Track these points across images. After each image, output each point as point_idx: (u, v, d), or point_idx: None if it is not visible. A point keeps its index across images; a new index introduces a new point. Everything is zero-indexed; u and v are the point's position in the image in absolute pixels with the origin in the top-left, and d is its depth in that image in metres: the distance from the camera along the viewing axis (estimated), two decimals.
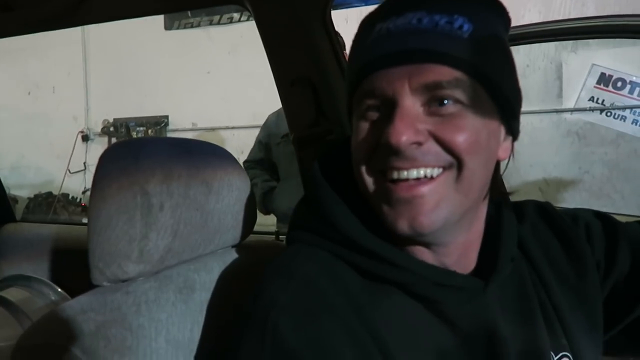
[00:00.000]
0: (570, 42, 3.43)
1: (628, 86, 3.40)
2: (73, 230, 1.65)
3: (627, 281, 0.72)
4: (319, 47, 1.11)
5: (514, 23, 0.66)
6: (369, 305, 0.59)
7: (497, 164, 0.65)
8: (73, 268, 0.98)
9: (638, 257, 0.72)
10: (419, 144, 0.56)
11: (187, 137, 0.84)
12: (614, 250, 0.72)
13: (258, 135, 2.25)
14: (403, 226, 0.58)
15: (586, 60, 3.47)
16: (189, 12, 4.42)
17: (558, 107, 3.56)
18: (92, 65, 4.97)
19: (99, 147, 4.88)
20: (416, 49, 0.56)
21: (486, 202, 0.66)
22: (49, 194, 4.85)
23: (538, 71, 3.56)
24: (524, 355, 0.63)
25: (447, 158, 0.57)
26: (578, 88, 3.51)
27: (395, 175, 0.58)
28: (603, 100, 3.45)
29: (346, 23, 1.69)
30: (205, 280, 0.76)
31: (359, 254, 0.60)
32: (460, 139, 0.56)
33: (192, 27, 4.58)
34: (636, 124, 3.39)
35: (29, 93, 5.09)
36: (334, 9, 1.13)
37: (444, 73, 0.55)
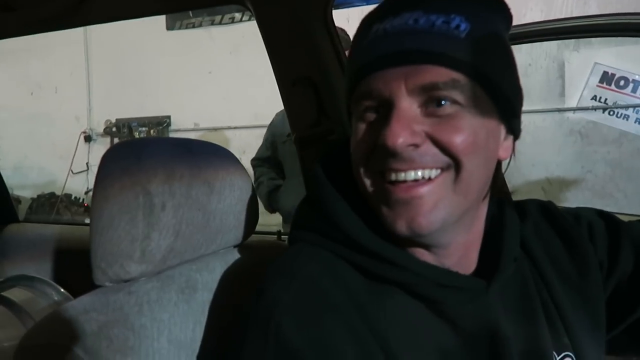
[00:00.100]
0: (573, 40, 3.42)
1: (631, 85, 3.39)
2: (76, 231, 1.65)
3: (630, 281, 0.71)
4: (320, 46, 1.11)
5: (515, 22, 0.66)
6: (371, 305, 0.58)
7: (498, 163, 0.65)
8: (76, 268, 0.98)
9: None
10: (416, 145, 0.56)
11: (190, 137, 0.84)
12: (617, 250, 0.72)
13: (265, 134, 2.25)
14: (401, 227, 0.58)
15: (589, 58, 3.46)
16: (190, 12, 4.42)
17: (560, 106, 3.55)
18: (95, 66, 4.98)
19: (101, 147, 4.89)
20: (412, 49, 0.56)
21: (486, 201, 0.66)
22: (52, 194, 4.86)
23: (540, 70, 3.55)
24: (526, 355, 0.63)
25: (445, 159, 0.57)
26: (580, 87, 3.50)
27: (393, 176, 0.58)
28: (606, 99, 3.45)
29: (347, 22, 1.68)
30: (207, 280, 0.76)
31: (360, 254, 0.60)
32: (457, 140, 0.56)
33: (193, 27, 4.58)
34: (639, 123, 3.38)
35: (32, 93, 5.10)
36: (335, 9, 1.13)
37: (440, 74, 0.55)
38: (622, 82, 3.42)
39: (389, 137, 0.55)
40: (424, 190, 0.57)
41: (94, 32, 4.80)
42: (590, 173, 3.48)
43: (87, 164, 4.91)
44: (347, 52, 0.71)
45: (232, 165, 0.84)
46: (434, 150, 0.57)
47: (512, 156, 0.65)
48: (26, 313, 1.21)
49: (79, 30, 4.74)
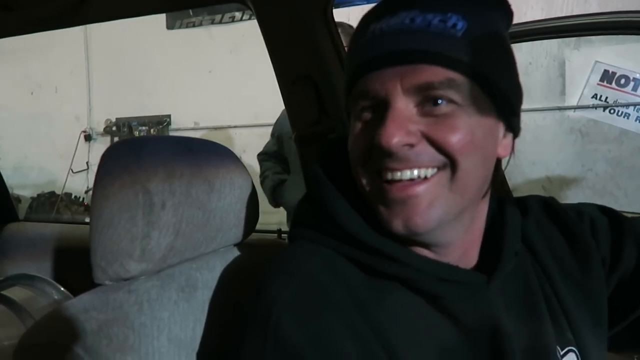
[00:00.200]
0: (573, 39, 3.41)
1: (632, 83, 3.39)
2: (76, 230, 1.65)
3: (632, 277, 0.71)
4: (320, 45, 1.11)
5: (516, 20, 0.65)
6: (371, 301, 0.58)
7: (498, 161, 0.64)
8: (76, 267, 0.98)
9: None
10: (411, 145, 0.56)
11: (192, 136, 0.84)
12: (620, 246, 0.72)
13: (272, 129, 2.23)
14: (398, 226, 0.58)
15: (589, 57, 3.45)
16: (190, 11, 4.42)
17: (561, 105, 3.55)
18: (95, 65, 4.97)
19: (101, 146, 4.88)
20: (408, 49, 0.56)
21: (486, 200, 0.66)
22: (52, 193, 4.86)
23: (541, 69, 3.55)
24: (529, 350, 0.63)
25: (441, 158, 0.57)
26: (581, 85, 3.50)
27: (389, 176, 0.58)
28: (606, 98, 3.44)
29: (348, 21, 1.68)
30: (207, 278, 0.76)
31: (360, 251, 0.60)
32: (453, 140, 0.56)
33: (194, 26, 4.58)
34: (639, 121, 3.38)
35: (32, 93, 5.10)
36: (335, 7, 1.13)
37: (436, 73, 0.55)
38: (622, 81, 3.41)
39: (383, 137, 0.55)
40: (420, 189, 0.57)
41: (94, 31, 4.80)
42: (591, 171, 3.47)
43: (87, 163, 4.91)
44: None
45: (232, 163, 0.84)
46: (430, 149, 0.57)
47: (512, 154, 0.65)
48: (26, 312, 1.21)
49: (79, 29, 4.74)
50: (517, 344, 0.62)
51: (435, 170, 0.57)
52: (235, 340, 0.58)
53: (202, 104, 4.48)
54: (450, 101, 0.56)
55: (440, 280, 0.60)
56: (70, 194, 4.85)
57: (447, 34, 0.55)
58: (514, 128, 0.63)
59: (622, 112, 3.42)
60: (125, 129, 4.84)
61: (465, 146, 0.56)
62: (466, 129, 0.56)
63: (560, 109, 3.55)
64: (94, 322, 0.60)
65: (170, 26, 4.62)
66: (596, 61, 3.45)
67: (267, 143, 2.27)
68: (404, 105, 0.56)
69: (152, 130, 4.75)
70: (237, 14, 4.38)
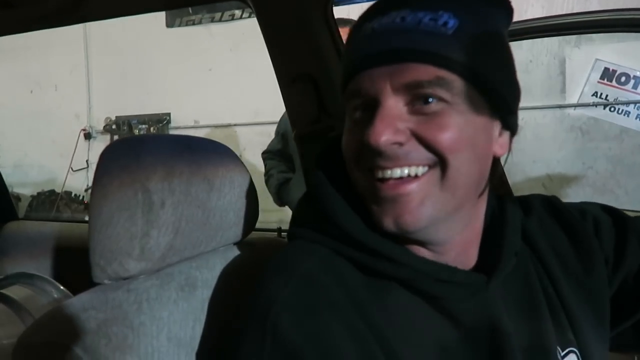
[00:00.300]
0: (574, 37, 3.41)
1: (632, 81, 3.38)
2: (75, 228, 1.65)
3: (636, 277, 0.71)
4: (320, 43, 1.10)
5: (516, 18, 0.65)
6: (370, 301, 0.58)
7: (496, 159, 0.64)
8: (75, 266, 0.98)
9: None
10: (400, 144, 0.56)
11: (192, 135, 0.83)
12: (624, 245, 0.71)
13: (277, 127, 2.22)
14: (389, 224, 0.58)
15: (590, 55, 3.45)
16: (190, 9, 4.41)
17: (561, 103, 3.54)
18: (94, 64, 4.97)
19: (101, 144, 4.88)
20: (397, 48, 0.56)
21: (484, 199, 0.66)
22: (52, 192, 4.85)
23: (541, 66, 3.54)
24: (529, 351, 0.63)
25: (431, 157, 0.57)
26: (581, 83, 3.49)
27: (380, 174, 0.58)
28: (607, 96, 3.44)
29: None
30: (207, 277, 0.76)
31: (358, 251, 0.60)
32: (442, 138, 0.56)
33: (193, 24, 4.57)
34: None
35: (31, 91, 5.09)
36: (335, 5, 1.12)
37: (425, 72, 0.55)
38: (623, 79, 3.41)
39: (372, 136, 0.55)
40: (410, 187, 0.57)
41: (94, 29, 4.79)
42: (591, 169, 3.47)
43: (87, 161, 4.91)
44: None
45: (231, 162, 0.83)
46: (420, 148, 0.57)
47: (510, 152, 0.65)
48: (26, 311, 1.21)
49: (79, 27, 4.73)
50: (517, 344, 0.61)
51: (426, 168, 0.57)
52: (235, 340, 0.58)
53: (202, 102, 4.48)
54: (441, 99, 0.56)
55: (439, 281, 0.60)
56: (70, 193, 4.85)
57: (437, 32, 0.55)
58: (510, 126, 0.63)
59: (622, 110, 3.42)
60: (125, 127, 4.84)
61: (455, 144, 0.56)
62: (456, 127, 0.56)
63: (560, 106, 3.54)
64: (93, 321, 0.59)
65: (170, 24, 4.61)
66: (597, 59, 3.44)
67: (271, 141, 2.25)
68: (393, 104, 0.57)
69: (152, 129, 4.74)
70: (237, 12, 4.38)
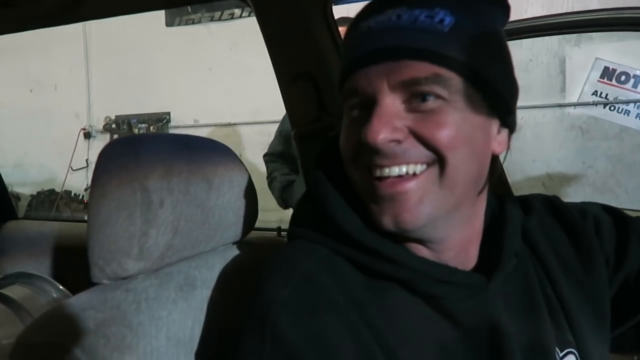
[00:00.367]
0: (574, 36, 3.41)
1: (632, 80, 3.38)
2: (75, 228, 1.65)
3: (637, 278, 0.71)
4: (320, 42, 1.10)
5: (516, 17, 0.65)
6: (369, 301, 0.58)
7: (495, 157, 0.64)
8: (75, 265, 0.97)
9: None
10: (398, 141, 0.56)
11: (192, 134, 0.83)
12: (624, 246, 0.71)
13: (278, 128, 2.20)
14: (387, 223, 0.58)
15: (590, 54, 3.44)
16: (189, 8, 4.40)
17: (561, 102, 3.54)
18: (94, 63, 4.96)
19: (101, 144, 4.86)
20: (393, 46, 0.56)
21: (484, 197, 0.65)
22: (52, 191, 4.85)
23: (541, 65, 3.54)
24: (528, 351, 0.62)
25: (429, 154, 0.56)
26: (581, 82, 3.49)
27: (378, 172, 0.58)
28: (607, 95, 3.43)
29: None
30: (206, 277, 0.75)
31: (358, 251, 0.60)
32: (440, 135, 0.56)
33: (193, 23, 4.57)
34: None
35: (31, 91, 5.09)
36: (335, 4, 1.12)
37: (422, 69, 0.55)
38: (623, 78, 3.40)
39: (369, 134, 0.55)
40: (408, 185, 0.57)
41: (94, 28, 4.79)
42: (591, 169, 3.47)
43: (86, 160, 4.90)
44: None
45: (231, 161, 0.83)
46: (418, 145, 0.56)
47: (509, 150, 0.65)
48: (25, 310, 1.21)
49: (78, 26, 4.73)
50: (517, 345, 0.61)
51: (424, 166, 0.57)
52: (234, 340, 0.58)
53: (202, 101, 4.47)
54: (438, 97, 0.56)
55: (439, 282, 0.60)
56: (70, 192, 4.84)
57: (433, 30, 0.55)
58: (509, 124, 0.63)
59: (622, 109, 3.41)
60: (125, 127, 4.83)
61: (453, 142, 0.56)
62: (454, 124, 0.56)
63: (560, 106, 3.54)
64: (91, 321, 0.59)
65: (169, 23, 4.61)
66: (596, 58, 3.44)
67: (272, 143, 2.23)
68: (390, 102, 0.56)
69: (151, 128, 4.74)
70: (237, 11, 4.37)
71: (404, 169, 0.57)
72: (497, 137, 0.62)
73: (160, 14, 4.52)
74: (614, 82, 3.42)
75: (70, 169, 4.83)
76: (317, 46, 1.10)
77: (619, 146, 3.40)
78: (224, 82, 4.33)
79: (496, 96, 0.59)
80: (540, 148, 3.45)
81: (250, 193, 0.85)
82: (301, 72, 1.13)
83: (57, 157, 4.90)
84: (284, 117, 2.14)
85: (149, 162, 0.68)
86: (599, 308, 0.70)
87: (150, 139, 0.74)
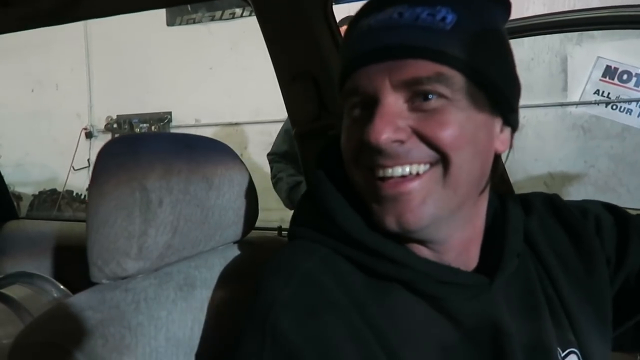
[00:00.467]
0: (575, 34, 3.40)
1: (634, 79, 3.37)
2: (75, 227, 1.65)
3: (638, 276, 0.70)
4: (320, 41, 1.10)
5: (517, 15, 0.64)
6: (371, 302, 0.58)
7: (497, 156, 0.63)
8: (75, 265, 0.97)
9: None
10: (401, 141, 0.55)
11: (193, 133, 0.83)
12: (625, 245, 0.70)
13: (282, 127, 2.17)
14: (390, 223, 0.57)
15: (591, 52, 3.43)
16: (188, 7, 4.40)
17: (563, 101, 3.53)
18: (95, 62, 4.97)
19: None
20: (394, 44, 0.55)
21: (485, 196, 0.65)
22: (54, 190, 4.85)
23: (543, 64, 3.53)
24: (530, 352, 0.62)
25: (432, 154, 0.56)
26: (583, 81, 3.48)
27: (381, 173, 0.57)
28: (609, 93, 3.42)
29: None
30: (206, 277, 0.75)
31: (358, 251, 0.60)
32: (443, 135, 0.55)
33: (194, 22, 4.57)
34: None
35: (32, 90, 5.09)
36: (336, 3, 1.12)
37: (424, 68, 0.54)
38: (625, 76, 3.39)
39: (372, 134, 0.54)
40: (412, 186, 0.56)
41: (95, 28, 4.79)
42: (593, 168, 3.46)
43: (88, 160, 4.90)
44: None
45: (231, 160, 0.83)
46: (421, 145, 0.56)
47: (511, 149, 0.64)
48: (25, 310, 1.21)
49: (79, 26, 4.74)
50: (519, 344, 0.61)
51: (427, 166, 0.56)
52: (234, 340, 0.57)
53: (203, 100, 4.48)
54: (441, 96, 0.55)
55: (441, 283, 0.59)
56: (72, 192, 4.85)
57: (435, 28, 0.54)
58: (511, 122, 0.62)
59: (624, 108, 3.40)
60: (126, 126, 4.84)
61: (456, 141, 0.55)
62: (457, 123, 0.55)
63: (562, 105, 3.53)
64: (90, 321, 0.59)
65: (170, 23, 4.61)
66: (598, 57, 3.43)
67: (276, 142, 2.20)
68: (393, 101, 0.56)
69: (153, 128, 4.74)
70: (238, 11, 4.37)
71: (407, 169, 0.56)
72: (500, 135, 0.62)
73: (161, 14, 4.52)
74: (616, 80, 3.41)
75: (72, 168, 4.84)
76: (317, 45, 1.10)
77: (621, 145, 3.40)
78: (225, 81, 4.33)
79: (499, 94, 0.58)
80: (542, 147, 3.44)
81: (250, 192, 0.84)
82: (301, 71, 1.12)
83: (58, 156, 4.91)
84: (287, 117, 2.11)
85: (148, 161, 0.67)
86: (600, 307, 0.69)
87: (150, 138, 0.74)
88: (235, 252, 0.84)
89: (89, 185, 0.67)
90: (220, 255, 0.81)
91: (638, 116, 3.37)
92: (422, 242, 0.61)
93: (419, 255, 0.61)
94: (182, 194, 0.70)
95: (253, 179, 0.86)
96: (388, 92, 0.56)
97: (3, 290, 1.26)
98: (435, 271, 0.59)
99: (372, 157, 0.57)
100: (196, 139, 0.81)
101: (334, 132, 1.12)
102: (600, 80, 3.44)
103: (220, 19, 4.47)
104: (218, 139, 0.85)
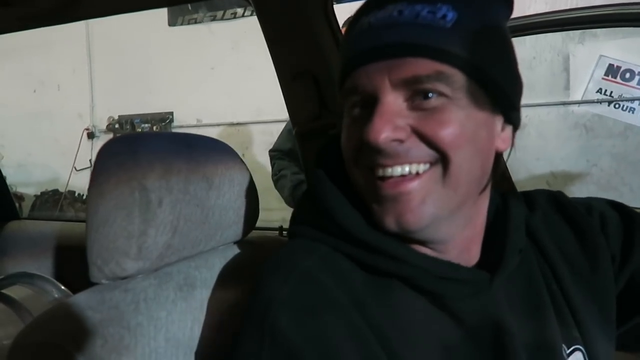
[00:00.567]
0: (578, 33, 3.39)
1: (637, 77, 3.36)
2: (76, 227, 1.65)
3: None
4: (320, 40, 1.09)
5: (519, 14, 0.64)
6: (371, 300, 0.57)
7: (498, 155, 0.63)
8: (76, 265, 0.97)
9: None
10: (401, 141, 0.55)
11: (195, 133, 0.82)
12: (631, 242, 0.70)
13: (286, 125, 2.15)
14: (390, 223, 0.57)
15: (594, 51, 3.42)
16: (189, 6, 4.40)
17: (565, 100, 3.52)
18: (97, 63, 4.98)
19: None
20: (394, 42, 0.54)
21: (487, 194, 0.64)
22: (56, 191, 4.86)
23: (545, 63, 3.52)
24: (534, 349, 0.61)
25: (432, 153, 0.55)
26: (585, 80, 3.47)
27: (380, 172, 0.57)
28: (611, 92, 3.41)
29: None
30: (206, 277, 0.75)
31: (358, 248, 0.59)
32: (443, 134, 0.54)
33: (195, 23, 4.57)
34: None
35: (35, 91, 5.10)
36: (336, 3, 1.11)
37: (424, 66, 0.54)
38: (627, 75, 3.38)
39: (371, 134, 0.54)
40: (411, 185, 0.56)
41: (96, 28, 4.80)
42: (596, 167, 3.45)
43: (90, 161, 4.91)
44: None
45: (231, 160, 0.82)
46: (420, 144, 0.55)
47: (513, 147, 0.64)
48: (26, 310, 1.21)
49: (81, 26, 4.74)
50: (521, 343, 0.60)
51: (427, 165, 0.56)
52: (234, 340, 0.57)
53: (204, 100, 4.48)
54: (441, 94, 0.54)
55: (442, 279, 0.59)
56: (74, 192, 4.86)
57: (435, 25, 0.54)
58: (513, 120, 0.62)
59: (627, 107, 3.39)
60: (128, 127, 4.85)
61: (456, 140, 0.55)
62: (457, 122, 0.55)
63: (564, 103, 3.52)
64: (89, 322, 0.58)
65: (172, 23, 4.61)
66: (601, 55, 3.42)
67: (279, 139, 2.18)
68: (392, 100, 0.55)
69: (154, 128, 4.75)
70: (239, 10, 4.38)
71: (406, 169, 0.56)
72: (501, 134, 0.61)
73: (163, 14, 4.53)
74: (618, 79, 3.40)
75: (74, 169, 4.85)
76: (318, 44, 1.09)
77: (624, 144, 3.39)
78: (227, 81, 4.34)
79: (500, 93, 0.58)
80: (544, 146, 3.44)
81: (251, 192, 0.84)
82: (302, 71, 1.12)
83: (60, 157, 4.92)
84: None
85: (147, 160, 0.67)
86: (604, 305, 0.69)
87: (149, 138, 0.73)
88: (235, 252, 0.84)
89: (89, 184, 0.67)
90: (221, 255, 0.81)
91: None
92: (422, 242, 0.61)
93: (419, 252, 0.60)
94: (182, 194, 0.70)
95: (255, 179, 0.86)
96: (387, 91, 0.55)
97: (4, 291, 1.26)
98: (435, 267, 0.59)
99: (372, 156, 0.56)
100: (196, 139, 0.80)
101: (334, 131, 1.11)
102: (603, 78, 3.43)
103: (222, 18, 4.47)
104: (220, 139, 0.85)
